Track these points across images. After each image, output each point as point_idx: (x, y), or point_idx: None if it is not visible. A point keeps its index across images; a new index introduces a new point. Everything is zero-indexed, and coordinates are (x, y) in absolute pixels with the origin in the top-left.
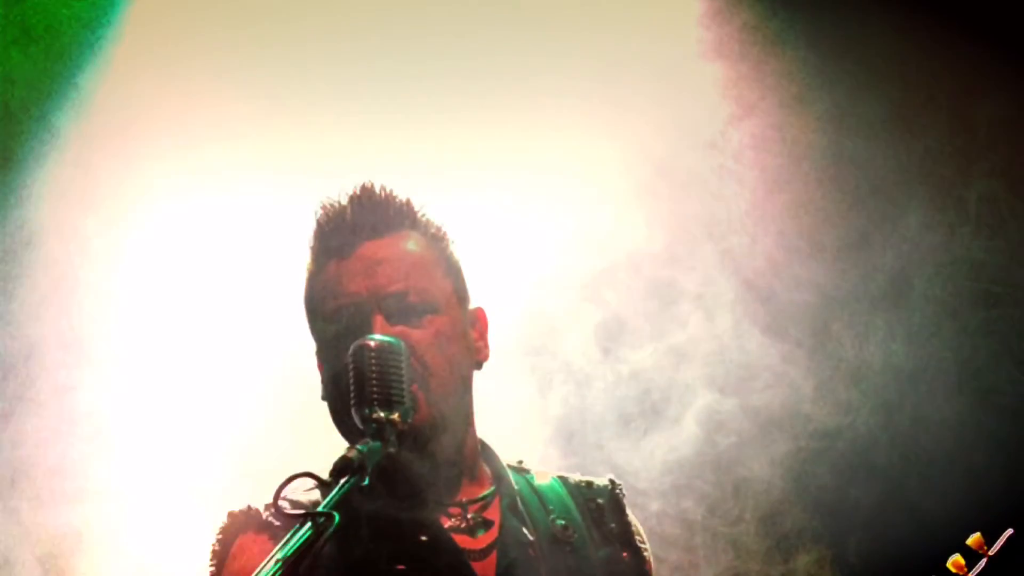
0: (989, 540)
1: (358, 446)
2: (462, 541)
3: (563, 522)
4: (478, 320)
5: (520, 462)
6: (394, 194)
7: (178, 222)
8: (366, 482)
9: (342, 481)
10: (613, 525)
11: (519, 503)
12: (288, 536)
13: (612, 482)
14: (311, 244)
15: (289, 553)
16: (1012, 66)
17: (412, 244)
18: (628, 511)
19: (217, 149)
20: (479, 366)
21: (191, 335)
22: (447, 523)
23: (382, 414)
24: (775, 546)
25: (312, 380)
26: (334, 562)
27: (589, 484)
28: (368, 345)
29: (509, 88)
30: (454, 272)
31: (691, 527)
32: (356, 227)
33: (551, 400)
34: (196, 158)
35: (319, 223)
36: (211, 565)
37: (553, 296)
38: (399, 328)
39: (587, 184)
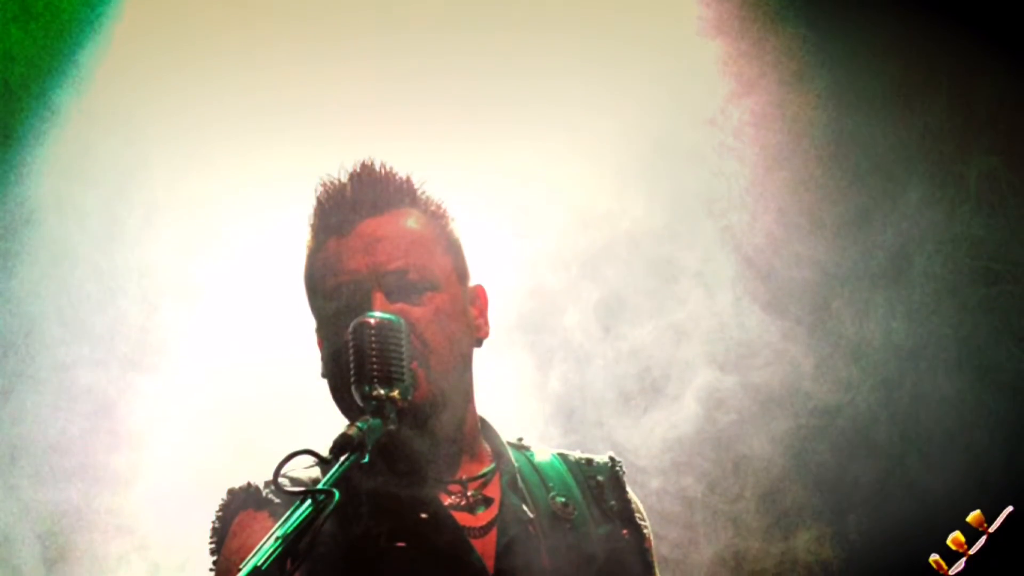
0: (989, 517)
1: (358, 423)
2: (462, 518)
3: (563, 499)
4: (478, 297)
5: (520, 439)
6: (394, 171)
7: (177, 199)
8: (366, 459)
9: (342, 458)
10: (613, 502)
11: (519, 480)
12: (288, 513)
13: (612, 459)
14: (311, 221)
15: (289, 530)
16: (1012, 44)
17: (412, 221)
18: (628, 488)
19: (216, 127)
20: (479, 343)
21: (190, 311)
22: (447, 500)
23: (382, 391)
24: (775, 523)
25: (312, 358)
26: (334, 539)
27: (589, 461)
28: (368, 322)
29: (508, 65)
30: (454, 249)
31: (691, 504)
32: (356, 204)
33: (551, 377)
34: (195, 136)
35: (319, 200)
36: (211, 542)
37: (553, 273)
38: (399, 305)
39: (587, 161)
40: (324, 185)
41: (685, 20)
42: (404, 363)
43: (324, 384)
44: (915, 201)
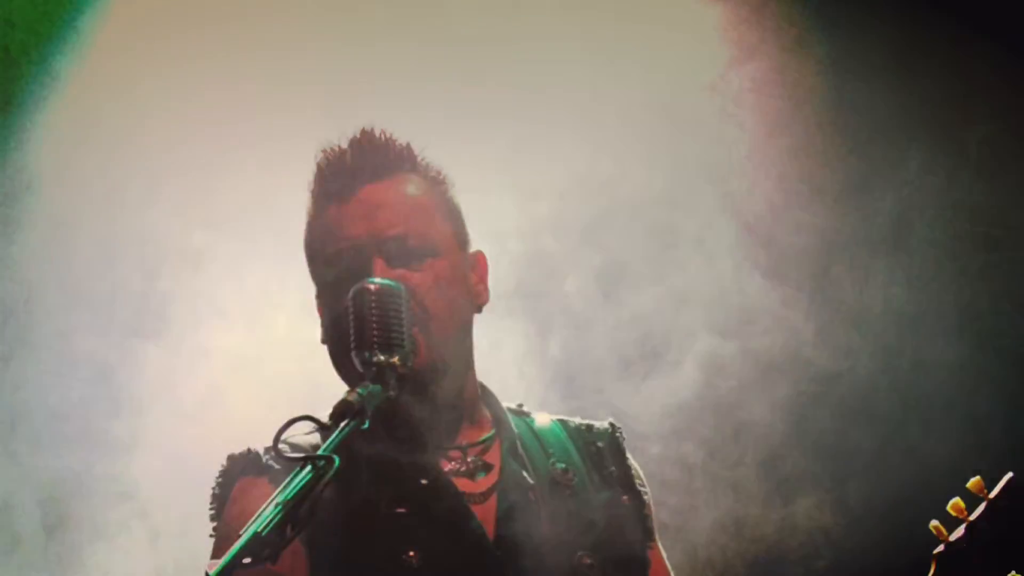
0: (989, 484)
1: (358, 389)
2: (462, 485)
3: (563, 465)
4: (478, 264)
5: (520, 405)
6: (394, 138)
7: (177, 166)
8: (366, 425)
9: (342, 424)
10: (613, 468)
11: (519, 446)
12: (288, 479)
13: (612, 425)
14: (311, 188)
15: (289, 496)
16: (1012, 10)
17: (412, 188)
18: (628, 454)
19: (218, 93)
20: (479, 309)
21: (191, 278)
22: (447, 467)
23: (382, 357)
24: (775, 489)
25: (313, 324)
26: (334, 506)
27: (589, 427)
28: (368, 288)
29: (508, 32)
30: (454, 216)
31: (691, 471)
32: (356, 170)
33: (551, 344)
34: (196, 102)
35: (319, 166)
36: (211, 508)
37: (553, 239)
38: (399, 271)
39: (587, 127)
40: (324, 151)
41: None
42: (404, 329)
43: (324, 350)
44: (915, 167)
